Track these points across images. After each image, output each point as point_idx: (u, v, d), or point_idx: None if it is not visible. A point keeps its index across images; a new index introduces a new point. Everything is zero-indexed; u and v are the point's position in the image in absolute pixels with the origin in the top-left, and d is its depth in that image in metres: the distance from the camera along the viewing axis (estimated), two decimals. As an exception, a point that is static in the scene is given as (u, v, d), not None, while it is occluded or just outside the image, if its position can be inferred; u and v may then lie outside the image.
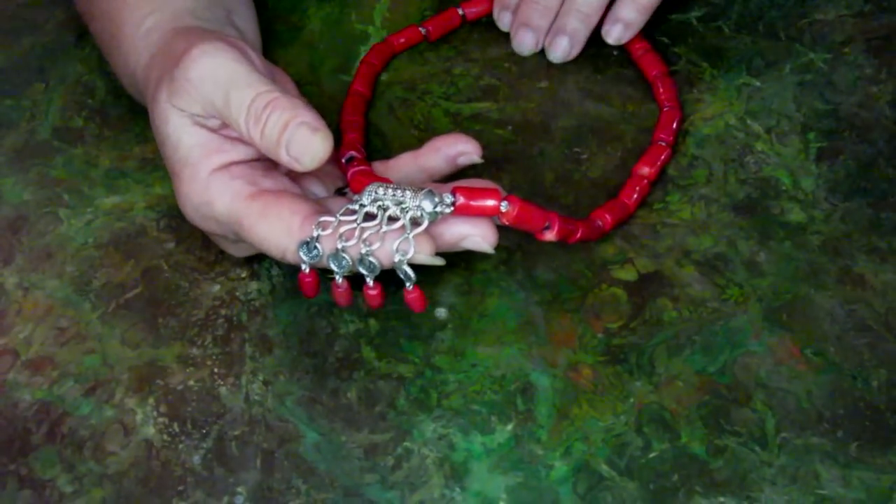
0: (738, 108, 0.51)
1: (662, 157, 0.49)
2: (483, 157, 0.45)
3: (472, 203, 0.39)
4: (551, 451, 0.41)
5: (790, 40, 0.54)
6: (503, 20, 0.54)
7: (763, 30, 0.54)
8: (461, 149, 0.44)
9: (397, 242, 0.39)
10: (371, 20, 0.57)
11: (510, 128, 0.51)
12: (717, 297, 0.45)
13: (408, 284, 0.40)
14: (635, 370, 0.43)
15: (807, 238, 0.47)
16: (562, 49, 0.53)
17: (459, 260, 0.47)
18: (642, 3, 0.52)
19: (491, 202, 0.39)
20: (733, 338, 0.44)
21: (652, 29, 0.55)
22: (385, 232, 0.39)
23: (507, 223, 0.40)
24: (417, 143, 0.46)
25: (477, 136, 0.46)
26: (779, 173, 0.49)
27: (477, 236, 0.40)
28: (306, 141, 0.40)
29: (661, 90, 0.51)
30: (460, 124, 0.51)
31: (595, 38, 0.54)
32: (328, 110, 0.51)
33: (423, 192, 0.39)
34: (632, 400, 0.42)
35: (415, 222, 0.39)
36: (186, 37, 0.43)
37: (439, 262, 0.40)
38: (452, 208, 0.39)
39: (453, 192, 0.39)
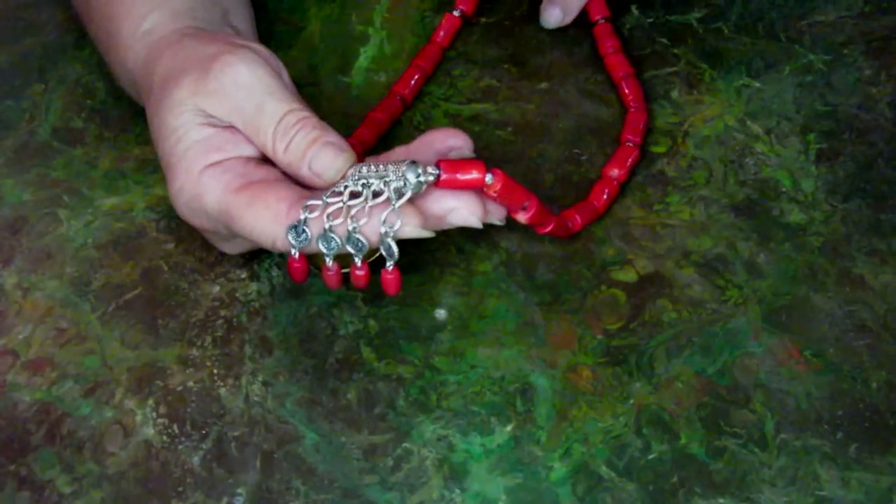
0: (737, 109, 0.51)
1: (630, 158, 0.49)
2: (480, 155, 0.45)
3: (457, 176, 0.39)
4: (551, 452, 0.41)
5: (790, 42, 0.54)
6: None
7: (763, 31, 0.54)
8: (452, 143, 0.43)
9: (384, 214, 0.39)
10: (371, 21, 0.57)
11: (510, 129, 0.51)
12: (716, 299, 0.45)
13: (389, 263, 0.40)
14: (635, 371, 0.43)
15: (806, 239, 0.47)
16: (554, 18, 0.55)
17: (459, 261, 0.47)
18: None
19: (475, 174, 0.39)
20: (733, 339, 0.44)
21: (652, 30, 0.55)
22: (371, 206, 0.39)
23: (494, 195, 0.40)
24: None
25: (477, 137, 0.46)
26: (778, 174, 0.49)
27: (463, 209, 0.40)
28: (331, 159, 0.41)
29: (627, 91, 0.51)
30: (460, 125, 0.51)
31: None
32: (328, 111, 0.51)
33: (406, 163, 0.39)
34: (631, 401, 0.42)
35: (399, 194, 0.39)
36: (209, 40, 0.44)
37: (428, 234, 0.40)
38: (435, 176, 0.39)
39: (437, 165, 0.39)
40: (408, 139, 0.49)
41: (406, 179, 0.39)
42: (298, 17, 0.57)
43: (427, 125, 0.52)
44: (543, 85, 0.53)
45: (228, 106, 0.42)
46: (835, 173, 0.49)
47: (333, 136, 0.41)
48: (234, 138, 0.42)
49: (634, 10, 0.56)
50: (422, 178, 0.39)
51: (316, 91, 0.53)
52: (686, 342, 0.44)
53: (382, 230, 0.39)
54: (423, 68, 0.53)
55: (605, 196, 0.48)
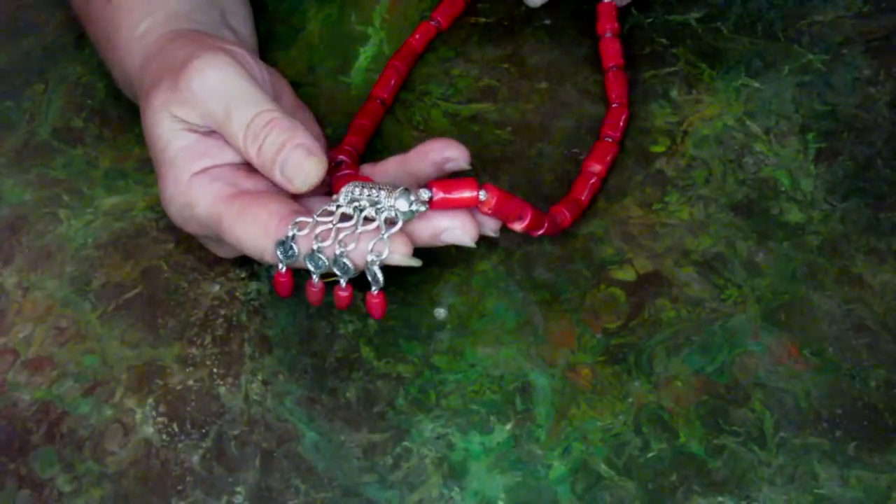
0: (736, 108, 0.51)
1: (609, 154, 0.49)
2: (478, 159, 0.45)
3: (450, 196, 0.39)
4: (550, 450, 0.41)
5: (789, 41, 0.54)
6: None
7: (762, 31, 0.55)
8: (448, 154, 0.43)
9: (372, 243, 0.39)
10: (370, 21, 0.57)
11: (509, 129, 0.51)
12: (715, 298, 0.45)
13: (373, 288, 0.40)
14: (634, 370, 0.43)
15: (805, 238, 0.47)
16: None
17: (458, 260, 0.47)
18: None
19: (468, 193, 0.39)
20: (732, 338, 0.44)
21: (651, 30, 0.55)
22: (360, 232, 0.39)
23: (488, 213, 0.40)
24: (416, 144, 0.46)
25: (476, 137, 0.46)
26: (777, 174, 0.49)
27: (457, 228, 0.40)
28: (300, 163, 0.40)
29: (612, 85, 0.51)
30: (459, 125, 0.52)
31: (594, 37, 0.54)
32: (327, 111, 0.51)
33: (399, 190, 0.39)
34: (630, 400, 0.42)
35: (390, 222, 0.39)
36: (185, 43, 0.43)
37: (415, 262, 0.40)
38: (428, 206, 0.39)
39: (429, 187, 0.39)
40: (407, 140, 0.49)
41: (397, 209, 0.39)
42: (298, 18, 0.57)
43: (426, 125, 0.52)
44: (543, 85, 0.53)
45: (200, 112, 0.41)
46: (834, 173, 0.49)
47: (303, 138, 0.40)
48: (219, 143, 0.42)
49: (633, 9, 0.56)
50: (413, 207, 0.39)
51: (315, 91, 0.53)
52: (685, 341, 0.44)
53: (369, 258, 0.39)
54: (399, 69, 0.53)
55: (586, 191, 0.48)
